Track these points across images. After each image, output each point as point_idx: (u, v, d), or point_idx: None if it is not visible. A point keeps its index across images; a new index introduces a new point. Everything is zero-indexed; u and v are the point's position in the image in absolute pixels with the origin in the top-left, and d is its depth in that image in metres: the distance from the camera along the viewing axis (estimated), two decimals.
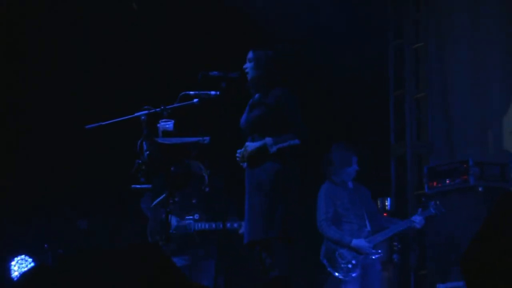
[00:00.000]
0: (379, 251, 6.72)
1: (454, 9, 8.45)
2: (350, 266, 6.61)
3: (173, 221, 6.12)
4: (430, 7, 8.69)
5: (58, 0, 7.94)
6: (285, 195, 4.83)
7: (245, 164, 5.01)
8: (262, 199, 4.83)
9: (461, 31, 8.36)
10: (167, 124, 4.84)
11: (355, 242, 6.60)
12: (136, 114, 4.92)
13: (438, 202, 6.76)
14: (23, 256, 7.73)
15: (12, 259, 7.70)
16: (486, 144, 8.04)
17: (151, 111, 4.90)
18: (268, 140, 4.87)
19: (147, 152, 4.74)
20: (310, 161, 7.80)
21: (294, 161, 4.92)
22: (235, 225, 5.96)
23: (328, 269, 6.66)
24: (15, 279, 7.53)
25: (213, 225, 6.12)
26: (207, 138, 4.78)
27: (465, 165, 7.20)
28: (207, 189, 5.69)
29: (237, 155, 5.00)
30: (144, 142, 4.77)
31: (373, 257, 6.67)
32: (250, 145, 4.93)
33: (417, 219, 6.71)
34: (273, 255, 4.81)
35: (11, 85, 7.99)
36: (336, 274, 6.64)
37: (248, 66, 5.06)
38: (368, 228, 6.71)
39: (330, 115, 8.58)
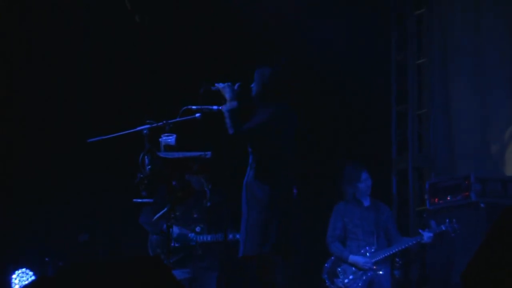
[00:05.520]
0: (380, 267, 6.71)
1: (457, 23, 8.46)
2: (346, 281, 6.71)
3: (175, 229, 6.10)
4: (434, 22, 8.70)
5: (60, 12, 7.96)
6: (280, 211, 4.81)
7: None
8: (257, 215, 4.82)
9: (464, 46, 8.36)
10: (169, 139, 4.85)
11: (352, 258, 6.70)
12: (138, 128, 4.92)
13: (454, 220, 6.73)
14: (24, 269, 7.71)
15: (13, 272, 7.68)
16: (489, 158, 8.02)
17: (153, 125, 4.91)
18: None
19: (149, 166, 4.74)
20: (312, 174, 7.83)
21: (289, 178, 4.91)
22: (238, 236, 5.95)
23: (327, 284, 6.74)
24: None
25: (216, 237, 6.11)
26: (208, 153, 4.78)
27: (466, 181, 7.18)
28: (208, 204, 5.69)
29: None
30: (146, 156, 4.77)
31: (380, 273, 6.69)
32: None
33: (426, 234, 6.71)
34: (269, 270, 4.79)
35: (13, 98, 8.00)
36: None
37: (253, 84, 5.09)
38: (375, 245, 6.72)
39: (332, 129, 8.58)
